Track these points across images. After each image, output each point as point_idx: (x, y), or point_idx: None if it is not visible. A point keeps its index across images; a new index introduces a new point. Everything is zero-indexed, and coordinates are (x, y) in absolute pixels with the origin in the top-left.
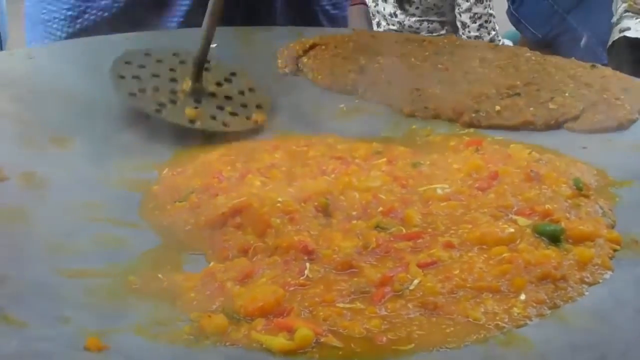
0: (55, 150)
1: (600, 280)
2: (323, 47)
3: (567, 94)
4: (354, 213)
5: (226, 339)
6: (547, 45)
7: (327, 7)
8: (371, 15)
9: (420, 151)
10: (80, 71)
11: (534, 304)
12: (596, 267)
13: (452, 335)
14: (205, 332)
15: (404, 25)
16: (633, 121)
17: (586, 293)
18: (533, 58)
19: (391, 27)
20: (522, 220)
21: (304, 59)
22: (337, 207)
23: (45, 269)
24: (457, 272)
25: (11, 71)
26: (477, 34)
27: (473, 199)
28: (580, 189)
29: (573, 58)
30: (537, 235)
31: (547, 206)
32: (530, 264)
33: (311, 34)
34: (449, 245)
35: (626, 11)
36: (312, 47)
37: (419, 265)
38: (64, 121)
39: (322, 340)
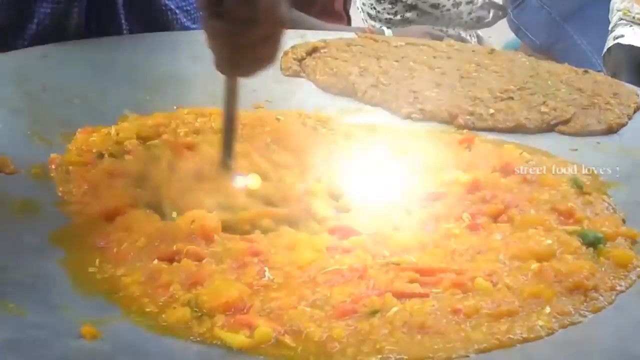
0: (64, 146)
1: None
2: (325, 49)
3: (559, 98)
4: None
5: (189, 333)
6: (546, 52)
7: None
8: None
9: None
10: (92, 70)
11: (559, 316)
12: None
13: (440, 350)
14: (168, 322)
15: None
16: (622, 125)
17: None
18: (527, 63)
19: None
20: (569, 228)
21: (307, 61)
22: None
23: (45, 259)
24: (471, 302)
25: (26, 69)
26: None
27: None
28: (580, 187)
29: (566, 63)
30: (579, 240)
31: (569, 204)
32: (562, 274)
33: (314, 37)
34: (457, 283)
35: (620, 19)
36: (315, 49)
37: (396, 295)
38: (74, 118)
39: (279, 338)
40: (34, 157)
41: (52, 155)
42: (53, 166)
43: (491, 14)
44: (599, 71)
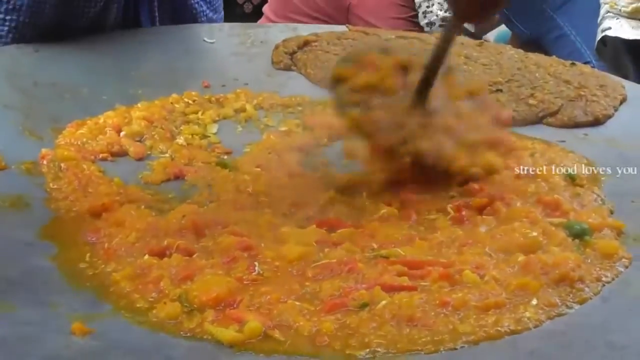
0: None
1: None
2: (316, 43)
3: (546, 91)
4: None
5: (179, 328)
6: (536, 42)
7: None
8: None
9: None
10: (83, 65)
11: (545, 307)
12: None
13: (428, 343)
14: (159, 317)
15: None
16: (609, 116)
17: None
18: (516, 56)
19: None
20: (555, 220)
21: (298, 55)
22: None
23: (36, 255)
24: (459, 295)
25: (17, 64)
26: (426, 21)
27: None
28: (573, 179)
29: (554, 56)
30: (566, 232)
31: (555, 196)
32: (548, 265)
33: (306, 31)
34: (445, 276)
35: (607, 12)
36: (307, 43)
37: (384, 288)
38: (65, 113)
39: (268, 333)
40: (25, 153)
41: (43, 150)
42: (44, 162)
43: None
44: (588, 62)
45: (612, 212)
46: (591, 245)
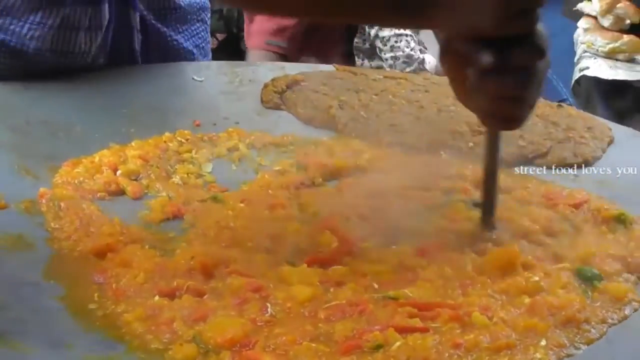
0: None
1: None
2: (305, 82)
3: (535, 133)
4: None
5: None
6: None
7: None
8: None
9: None
10: (74, 102)
11: (555, 348)
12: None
13: None
14: (176, 359)
15: None
16: (597, 158)
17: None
18: None
19: None
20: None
21: (287, 94)
22: None
23: (43, 295)
24: (470, 336)
25: (8, 102)
26: (391, 54)
27: None
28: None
29: (545, 97)
30: (577, 279)
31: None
32: (554, 307)
33: (293, 70)
34: (455, 317)
35: (584, 51)
36: (295, 82)
37: (398, 330)
38: (60, 151)
39: None
40: (22, 192)
41: (42, 189)
42: (43, 200)
43: None
44: (564, 99)
45: None
46: (599, 289)
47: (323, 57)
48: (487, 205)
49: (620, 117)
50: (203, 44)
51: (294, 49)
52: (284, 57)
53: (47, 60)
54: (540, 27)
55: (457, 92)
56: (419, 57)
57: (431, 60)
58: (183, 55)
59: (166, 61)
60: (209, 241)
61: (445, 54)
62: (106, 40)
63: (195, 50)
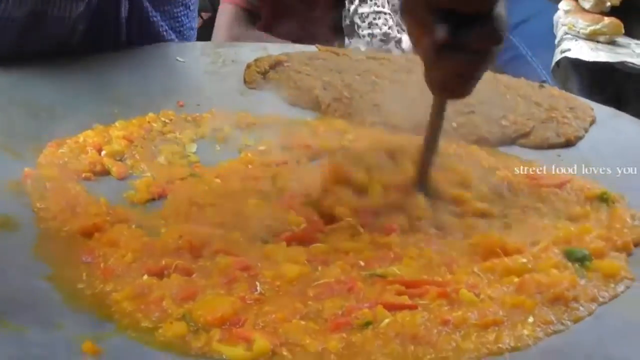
0: (35, 160)
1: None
2: (288, 63)
3: (518, 112)
4: None
5: (188, 347)
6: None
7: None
8: None
9: None
10: (56, 85)
11: (542, 325)
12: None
13: None
14: (166, 337)
15: None
16: (580, 138)
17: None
18: (486, 77)
19: None
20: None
21: (270, 74)
22: None
23: (32, 275)
24: (458, 313)
25: None
26: (369, 31)
27: None
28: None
29: (522, 78)
30: (565, 259)
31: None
32: (542, 285)
33: (275, 50)
34: (443, 294)
35: (566, 33)
36: (278, 63)
37: (386, 307)
38: (43, 131)
39: (276, 351)
40: (6, 172)
41: (27, 170)
42: (29, 181)
43: None
44: (543, 81)
45: None
46: (592, 268)
47: (304, 26)
48: (422, 170)
49: (602, 100)
50: (181, 29)
51: (268, 9)
52: (256, 16)
53: (26, 27)
54: (502, 11)
55: (416, 51)
56: (395, 36)
57: (408, 40)
58: (161, 35)
59: (143, 38)
60: (181, 219)
61: (404, 14)
62: (90, 5)
63: (172, 33)
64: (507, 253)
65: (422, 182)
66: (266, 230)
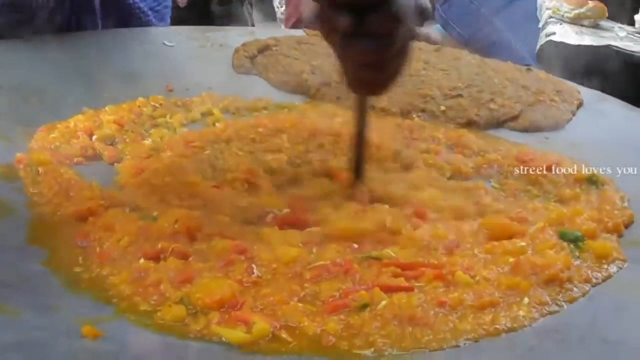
0: (26, 144)
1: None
2: (277, 47)
3: (506, 96)
4: None
5: (187, 330)
6: (473, 46)
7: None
8: None
9: None
10: (46, 68)
11: (537, 306)
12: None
13: (432, 341)
14: (165, 320)
15: None
16: (568, 121)
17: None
18: (473, 61)
19: None
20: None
21: (259, 59)
22: None
23: (27, 260)
24: (455, 294)
25: None
26: None
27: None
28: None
29: (510, 61)
30: (559, 239)
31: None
32: (537, 267)
33: (263, 35)
34: (438, 276)
35: (550, 17)
36: (267, 47)
37: (383, 289)
38: (34, 116)
39: (275, 333)
40: None
41: (19, 154)
42: (21, 166)
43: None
44: (528, 64)
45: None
46: (585, 249)
47: None
48: (357, 165)
49: (587, 82)
50: (159, 8)
51: None
52: None
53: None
54: None
55: (336, 57)
56: None
57: None
58: (138, 16)
59: (122, 21)
60: (139, 195)
61: (319, 25)
62: None
63: (150, 13)
64: (511, 236)
65: (358, 168)
66: (245, 213)
